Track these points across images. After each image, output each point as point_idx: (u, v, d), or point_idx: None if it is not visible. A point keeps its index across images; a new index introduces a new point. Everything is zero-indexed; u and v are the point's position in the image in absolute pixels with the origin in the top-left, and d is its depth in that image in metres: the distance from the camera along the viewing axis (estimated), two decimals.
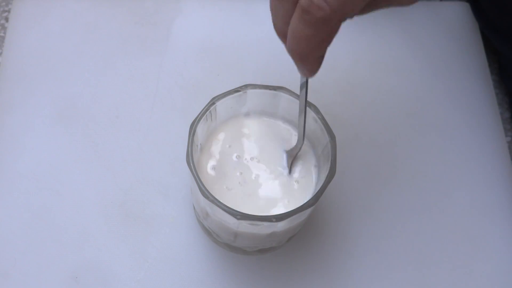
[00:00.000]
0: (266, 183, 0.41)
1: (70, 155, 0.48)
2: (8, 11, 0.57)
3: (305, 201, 0.38)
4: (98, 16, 0.55)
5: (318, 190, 0.38)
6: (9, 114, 0.49)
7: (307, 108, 0.41)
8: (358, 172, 0.49)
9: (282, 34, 0.32)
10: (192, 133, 0.39)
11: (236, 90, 0.41)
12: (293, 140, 0.43)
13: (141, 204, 0.46)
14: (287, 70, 0.53)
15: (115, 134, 0.49)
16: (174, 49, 0.53)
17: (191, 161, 0.38)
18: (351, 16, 0.29)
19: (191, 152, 0.38)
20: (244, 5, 0.56)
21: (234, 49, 0.54)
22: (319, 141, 0.41)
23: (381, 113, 0.52)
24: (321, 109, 0.41)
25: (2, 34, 0.56)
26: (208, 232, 0.44)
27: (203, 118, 0.40)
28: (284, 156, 0.42)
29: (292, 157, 0.41)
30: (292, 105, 0.42)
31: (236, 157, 0.42)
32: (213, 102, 0.40)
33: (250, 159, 0.42)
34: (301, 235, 0.46)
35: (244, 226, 0.38)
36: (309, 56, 0.30)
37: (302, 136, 0.40)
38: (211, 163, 0.41)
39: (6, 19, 0.57)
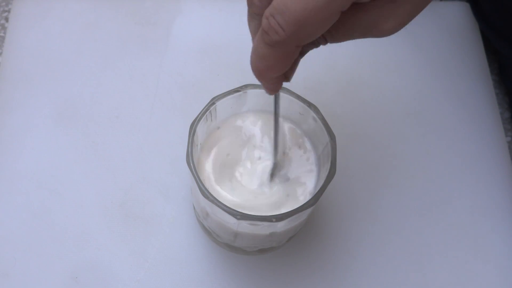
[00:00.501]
0: (266, 183, 0.41)
1: (70, 155, 0.48)
2: (8, 11, 0.57)
3: (305, 201, 0.38)
4: (98, 16, 0.55)
5: (318, 190, 0.38)
6: (9, 114, 0.49)
7: (308, 107, 0.41)
8: (358, 172, 0.49)
9: None
10: (192, 133, 0.39)
11: (236, 90, 0.41)
12: (293, 140, 0.43)
13: (141, 204, 0.46)
14: None
15: (115, 134, 0.49)
16: (174, 49, 0.53)
17: (191, 161, 0.38)
18: (316, 45, 0.32)
19: (191, 152, 0.38)
20: (244, 5, 0.56)
21: (234, 49, 0.54)
22: (319, 141, 0.41)
23: (381, 113, 0.52)
24: (321, 109, 0.41)
25: (2, 34, 0.56)
26: (208, 232, 0.44)
27: (203, 118, 0.40)
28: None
29: (275, 167, 0.41)
30: (292, 105, 0.42)
31: (236, 157, 0.42)
32: (213, 102, 0.40)
33: (250, 159, 0.42)
34: (301, 235, 0.46)
35: (244, 226, 0.38)
36: (266, 74, 0.32)
37: (276, 148, 0.40)
38: (211, 163, 0.41)
39: (6, 19, 0.57)
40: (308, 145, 0.43)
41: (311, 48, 0.33)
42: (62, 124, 0.49)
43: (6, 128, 0.49)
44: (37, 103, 0.50)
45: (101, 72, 0.52)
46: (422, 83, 0.54)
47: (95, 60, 0.52)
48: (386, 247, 0.46)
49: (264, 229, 0.39)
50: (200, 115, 0.39)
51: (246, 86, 0.41)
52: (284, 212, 0.37)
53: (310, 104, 0.41)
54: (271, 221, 0.36)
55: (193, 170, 0.37)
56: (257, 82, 0.41)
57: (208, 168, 0.41)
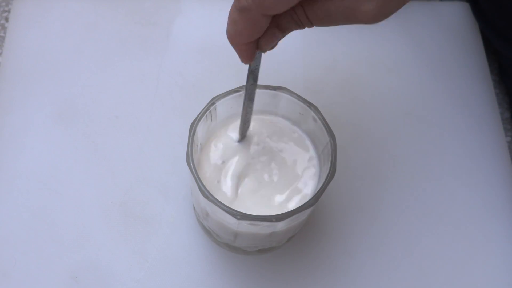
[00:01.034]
0: (266, 182, 0.41)
1: (70, 155, 0.48)
2: (8, 11, 0.57)
3: (305, 201, 0.38)
4: (98, 16, 0.55)
5: (318, 190, 0.38)
6: (9, 114, 0.49)
7: (308, 107, 0.41)
8: (358, 172, 0.49)
9: None
10: (192, 133, 0.39)
11: (236, 90, 0.41)
12: (293, 141, 0.43)
13: (141, 204, 0.46)
14: (287, 70, 0.53)
15: (115, 134, 0.49)
16: (174, 49, 0.53)
17: (191, 161, 0.38)
18: (299, 25, 0.33)
19: (191, 152, 0.38)
20: None
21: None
22: (319, 141, 0.41)
23: (381, 113, 0.52)
24: (321, 109, 0.41)
25: (2, 34, 0.56)
26: (208, 232, 0.44)
27: (203, 118, 0.40)
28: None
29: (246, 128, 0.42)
30: (292, 105, 0.42)
31: (236, 157, 0.42)
32: (213, 102, 0.40)
33: (250, 159, 0.42)
34: (301, 235, 0.46)
35: (244, 226, 0.38)
36: (236, 40, 0.34)
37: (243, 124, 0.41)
38: (211, 162, 0.41)
39: (6, 19, 0.57)
40: (308, 145, 0.43)
41: (294, 28, 0.34)
42: (62, 124, 0.49)
43: (6, 128, 0.49)
44: (37, 103, 0.50)
45: (101, 72, 0.52)
46: (422, 83, 0.54)
47: (95, 60, 0.52)
48: (385, 247, 0.46)
49: (264, 229, 0.39)
50: (200, 115, 0.39)
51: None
52: (284, 212, 0.37)
53: (310, 104, 0.41)
54: (271, 221, 0.36)
55: (193, 170, 0.37)
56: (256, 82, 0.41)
57: (208, 168, 0.41)
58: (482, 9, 0.57)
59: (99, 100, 0.51)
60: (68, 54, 0.52)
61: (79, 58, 0.52)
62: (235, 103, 0.42)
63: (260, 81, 0.42)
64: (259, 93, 0.41)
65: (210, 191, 0.37)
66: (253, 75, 0.38)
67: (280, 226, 0.38)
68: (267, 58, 0.53)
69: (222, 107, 0.41)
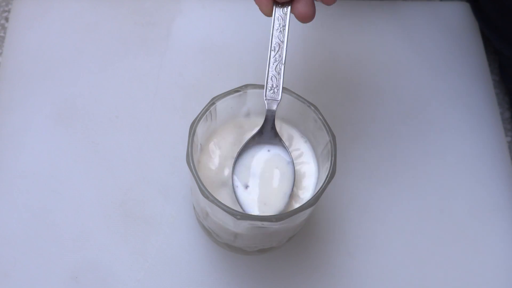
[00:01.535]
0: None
1: (70, 155, 0.48)
2: (8, 11, 0.57)
3: (305, 201, 0.38)
4: (98, 16, 0.55)
5: (318, 190, 0.38)
6: (9, 114, 0.49)
7: (308, 107, 0.41)
8: (358, 172, 0.49)
9: None
10: (192, 133, 0.39)
11: (236, 90, 0.41)
12: (293, 140, 0.43)
13: (141, 204, 0.46)
14: (287, 70, 0.53)
15: (115, 134, 0.49)
16: (174, 49, 0.53)
17: (191, 161, 0.38)
18: None
19: (191, 152, 0.38)
20: (244, 5, 0.56)
21: (234, 49, 0.54)
22: (319, 141, 0.41)
23: (381, 113, 0.52)
24: (321, 109, 0.41)
25: (2, 34, 0.56)
26: (208, 232, 0.44)
27: (203, 118, 0.39)
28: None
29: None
30: (292, 105, 0.42)
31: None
32: (213, 102, 0.40)
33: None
34: (301, 235, 0.46)
35: (244, 226, 0.38)
36: None
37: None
38: (211, 163, 0.41)
39: (6, 19, 0.57)
40: (308, 145, 0.43)
41: None
42: (62, 124, 0.49)
43: (6, 128, 0.49)
44: (37, 103, 0.50)
45: (101, 72, 0.52)
46: (422, 83, 0.54)
47: (95, 60, 0.52)
48: (385, 247, 0.46)
49: (264, 229, 0.39)
50: (200, 115, 0.39)
51: (246, 86, 0.41)
52: (284, 212, 0.37)
53: (310, 104, 0.41)
54: (271, 221, 0.36)
55: (193, 170, 0.37)
56: (257, 82, 0.42)
57: (208, 168, 0.41)
58: (482, 9, 0.57)
59: (99, 100, 0.51)
60: (68, 54, 0.52)
61: (79, 58, 0.52)
62: (235, 103, 0.42)
63: (260, 81, 0.42)
64: (258, 93, 0.41)
65: (210, 191, 0.37)
66: (278, 23, 0.39)
67: (280, 226, 0.38)
68: (267, 58, 0.53)
69: (222, 107, 0.41)
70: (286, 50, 0.39)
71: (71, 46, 0.53)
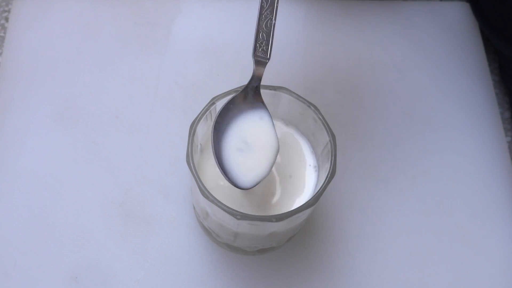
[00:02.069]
0: (267, 182, 0.41)
1: (70, 155, 0.48)
2: (8, 11, 0.57)
3: (305, 201, 0.38)
4: (98, 16, 0.55)
5: (318, 190, 0.38)
6: (9, 114, 0.49)
7: (308, 107, 0.41)
8: (358, 172, 0.49)
9: None
10: (192, 133, 0.39)
11: (236, 90, 0.41)
12: (294, 140, 0.43)
13: (141, 204, 0.46)
14: (287, 70, 0.53)
15: (115, 134, 0.49)
16: (174, 49, 0.53)
17: (191, 161, 0.38)
18: None
19: (191, 152, 0.38)
20: (244, 5, 0.56)
21: (234, 49, 0.54)
22: (319, 141, 0.41)
23: (381, 113, 0.52)
24: (321, 109, 0.41)
25: (2, 34, 0.56)
26: (208, 232, 0.44)
27: (203, 118, 0.39)
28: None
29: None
30: (292, 105, 0.42)
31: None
32: (213, 102, 0.40)
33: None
34: (301, 235, 0.46)
35: (244, 226, 0.38)
36: None
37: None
38: (212, 162, 0.41)
39: (6, 19, 0.57)
40: (308, 145, 0.43)
41: None
42: (62, 124, 0.49)
43: (6, 128, 0.49)
44: (37, 103, 0.50)
45: (101, 72, 0.52)
46: (422, 83, 0.54)
47: (95, 60, 0.52)
48: (385, 247, 0.46)
49: (264, 229, 0.39)
50: (200, 115, 0.39)
51: None
52: (284, 212, 0.37)
53: (310, 104, 0.41)
54: (271, 221, 0.36)
55: (193, 170, 0.37)
56: None
57: (208, 168, 0.41)
58: (482, 9, 0.57)
59: (99, 100, 0.51)
60: (68, 54, 0.52)
61: (79, 58, 0.52)
62: None
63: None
64: None
65: (210, 191, 0.37)
66: None
67: (280, 226, 0.38)
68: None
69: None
70: (277, 3, 0.36)
71: (71, 46, 0.53)
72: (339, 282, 0.45)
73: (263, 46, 0.38)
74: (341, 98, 0.52)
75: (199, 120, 0.39)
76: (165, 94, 0.51)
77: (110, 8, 0.55)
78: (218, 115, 0.38)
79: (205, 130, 0.41)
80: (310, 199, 0.37)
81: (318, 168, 0.42)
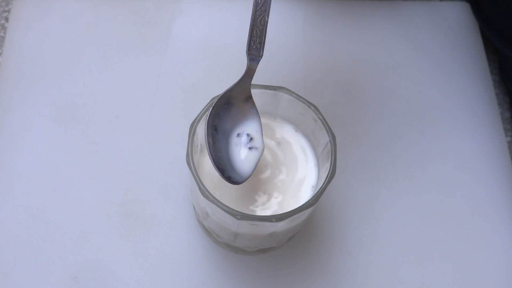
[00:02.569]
0: (266, 182, 0.41)
1: (70, 155, 0.48)
2: (8, 11, 0.57)
3: (305, 201, 0.38)
4: (98, 16, 0.55)
5: (318, 190, 0.38)
6: (9, 114, 0.49)
7: (308, 107, 0.41)
8: (358, 172, 0.49)
9: None
10: (192, 133, 0.39)
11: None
12: (293, 140, 0.43)
13: (141, 204, 0.46)
14: (287, 70, 0.53)
15: (115, 134, 0.49)
16: (174, 49, 0.53)
17: (191, 161, 0.38)
18: None
19: (191, 152, 0.38)
20: (244, 5, 0.56)
21: (234, 49, 0.54)
22: (319, 141, 0.41)
23: (381, 113, 0.52)
24: (321, 109, 0.41)
25: (2, 34, 0.56)
26: (208, 232, 0.44)
27: (203, 118, 0.39)
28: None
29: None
30: (292, 105, 0.42)
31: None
32: (213, 102, 0.40)
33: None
34: (301, 235, 0.46)
35: (244, 226, 0.38)
36: None
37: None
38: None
39: (6, 19, 0.57)
40: (308, 145, 0.43)
41: None
42: (62, 124, 0.49)
43: (6, 128, 0.49)
44: (37, 103, 0.50)
45: (101, 72, 0.52)
46: (422, 83, 0.54)
47: (95, 60, 0.52)
48: (385, 247, 0.46)
49: (264, 229, 0.39)
50: (200, 115, 0.39)
51: None
52: (284, 212, 0.37)
53: (310, 104, 0.41)
54: (271, 221, 0.36)
55: (193, 170, 0.37)
56: (257, 82, 0.41)
57: (208, 168, 0.41)
58: (482, 9, 0.57)
59: (99, 100, 0.51)
60: (68, 54, 0.52)
61: (79, 58, 0.52)
62: None
63: (260, 81, 0.42)
64: (259, 93, 0.41)
65: (210, 191, 0.37)
66: None
67: (280, 226, 0.38)
68: (268, 58, 0.53)
69: None
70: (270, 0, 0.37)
71: (71, 46, 0.53)
72: (339, 282, 0.45)
73: (257, 43, 0.38)
74: (341, 98, 0.52)
75: (199, 120, 0.39)
76: (165, 94, 0.51)
77: (110, 8, 0.55)
78: (212, 110, 0.38)
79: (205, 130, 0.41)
80: (310, 199, 0.38)
81: (318, 168, 0.42)
